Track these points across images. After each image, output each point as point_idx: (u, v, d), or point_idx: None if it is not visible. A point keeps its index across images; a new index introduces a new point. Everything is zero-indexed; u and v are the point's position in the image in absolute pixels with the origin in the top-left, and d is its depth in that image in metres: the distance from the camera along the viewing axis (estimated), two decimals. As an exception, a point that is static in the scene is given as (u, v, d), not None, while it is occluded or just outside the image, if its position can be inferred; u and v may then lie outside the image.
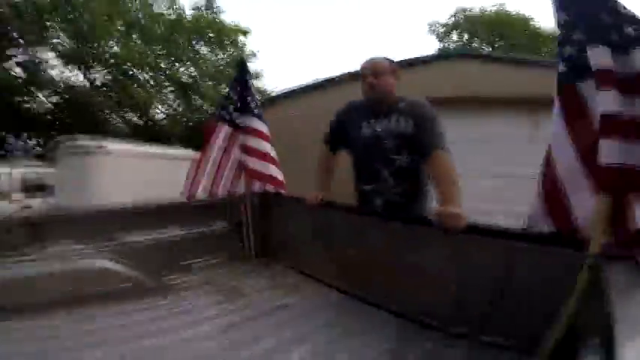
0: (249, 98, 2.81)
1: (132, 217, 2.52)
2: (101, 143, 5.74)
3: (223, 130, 2.79)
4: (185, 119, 16.12)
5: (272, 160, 2.86)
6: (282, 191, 2.93)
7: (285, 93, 7.33)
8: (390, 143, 2.09)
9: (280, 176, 2.91)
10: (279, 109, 6.75)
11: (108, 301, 2.15)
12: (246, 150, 2.82)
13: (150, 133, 14.41)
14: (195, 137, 13.84)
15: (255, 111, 2.79)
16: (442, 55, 6.75)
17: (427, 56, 7.02)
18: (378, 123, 2.12)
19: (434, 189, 1.95)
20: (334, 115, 2.39)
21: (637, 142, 1.05)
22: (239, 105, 2.78)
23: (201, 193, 2.78)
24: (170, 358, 1.60)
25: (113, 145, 5.97)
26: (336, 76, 6.83)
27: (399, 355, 1.61)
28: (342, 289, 2.38)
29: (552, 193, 1.35)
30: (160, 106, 16.39)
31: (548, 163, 1.36)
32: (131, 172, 5.49)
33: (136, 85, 14.48)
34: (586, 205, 1.22)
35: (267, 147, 2.83)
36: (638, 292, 0.80)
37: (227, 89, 2.95)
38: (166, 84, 15.81)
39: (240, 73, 2.91)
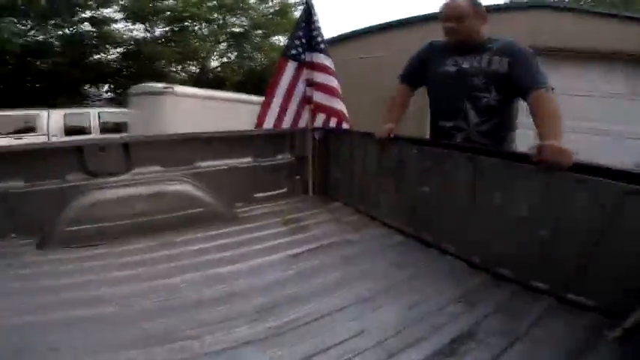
0: (315, 33, 2.83)
1: (208, 145, 2.60)
2: (168, 85, 6.02)
3: (290, 67, 2.87)
4: (237, 67, 16.43)
5: (338, 95, 2.87)
6: (347, 126, 2.91)
7: (339, 37, 7.04)
8: (478, 80, 1.95)
9: (345, 111, 2.90)
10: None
11: (186, 226, 2.28)
12: (312, 84, 2.86)
13: (206, 80, 14.90)
14: (248, 83, 14.48)
15: (321, 46, 2.81)
16: (532, 5, 5.87)
17: (512, 4, 6.20)
18: (466, 61, 1.99)
19: (535, 127, 1.73)
20: (416, 52, 2.28)
21: None
22: (304, 42, 2.84)
23: (268, 125, 2.89)
24: (242, 285, 1.67)
25: (179, 88, 6.22)
26: (390, 22, 6.43)
27: (470, 305, 1.51)
28: (407, 232, 2.28)
29: None
30: (215, 56, 16.76)
31: None
32: (196, 111, 5.74)
33: (194, 39, 14.82)
34: None
35: (333, 82, 2.84)
36: None
37: (282, 36, 3.09)
38: (221, 36, 16.02)
39: (307, 12, 2.90)
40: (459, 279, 1.74)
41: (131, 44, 14.58)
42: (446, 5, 2.01)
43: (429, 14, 5.85)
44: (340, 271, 1.80)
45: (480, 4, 1.99)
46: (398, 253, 2.05)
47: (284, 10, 15.85)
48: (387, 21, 6.50)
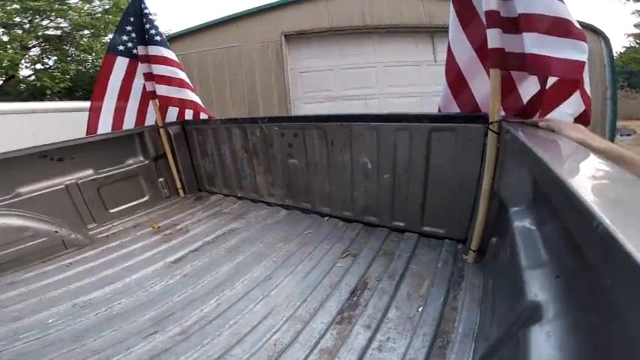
0: (147, 26, 2.55)
1: (33, 163, 2.05)
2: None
3: (120, 63, 2.55)
4: (60, 73, 13.86)
5: (187, 86, 2.65)
6: (205, 116, 2.75)
7: (183, 32, 6.73)
8: None
9: (199, 101, 2.73)
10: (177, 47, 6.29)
11: (28, 262, 1.82)
12: (153, 78, 2.56)
13: (16, 93, 11.97)
14: (78, 89, 12.62)
15: (157, 39, 2.55)
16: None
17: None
18: None
19: None
20: None
21: (512, 33, 1.24)
22: (134, 36, 2.55)
23: (103, 130, 2.50)
24: (124, 306, 1.43)
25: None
26: (245, 11, 6.35)
27: (355, 257, 1.69)
28: (288, 205, 2.38)
29: (456, 82, 1.55)
30: (26, 64, 13.69)
31: (450, 60, 1.55)
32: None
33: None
34: (483, 88, 1.43)
35: (178, 73, 2.60)
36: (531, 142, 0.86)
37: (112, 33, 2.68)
38: (30, 41, 13.17)
39: (136, 5, 2.56)
40: (340, 236, 1.92)
41: None
42: None
43: (283, 1, 5.95)
44: (231, 262, 1.72)
45: None
46: (284, 228, 2.09)
47: (118, 6, 13.98)
48: (242, 10, 6.32)
